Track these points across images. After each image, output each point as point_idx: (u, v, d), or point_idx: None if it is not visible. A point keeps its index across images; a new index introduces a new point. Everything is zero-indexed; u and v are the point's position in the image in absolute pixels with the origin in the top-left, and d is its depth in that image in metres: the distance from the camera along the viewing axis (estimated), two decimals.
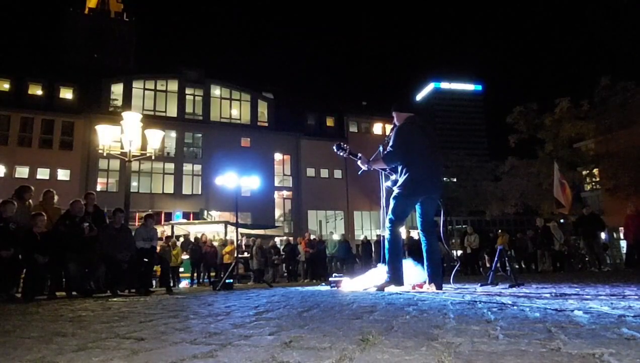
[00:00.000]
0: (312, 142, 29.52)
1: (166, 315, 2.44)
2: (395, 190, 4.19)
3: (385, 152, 4.27)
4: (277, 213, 29.33)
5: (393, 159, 4.23)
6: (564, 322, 1.62)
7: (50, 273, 5.90)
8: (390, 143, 4.22)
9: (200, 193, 26.98)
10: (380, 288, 3.99)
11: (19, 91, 25.48)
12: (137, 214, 20.98)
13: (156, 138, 9.79)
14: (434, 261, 4.14)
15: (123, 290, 6.56)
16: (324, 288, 5.28)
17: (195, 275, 14.11)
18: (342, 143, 4.91)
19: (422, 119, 4.45)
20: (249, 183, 11.35)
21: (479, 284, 4.57)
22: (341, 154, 4.82)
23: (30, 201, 6.59)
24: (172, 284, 10.53)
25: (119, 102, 26.83)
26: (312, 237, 16.20)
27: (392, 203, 4.21)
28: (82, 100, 26.09)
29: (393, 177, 4.40)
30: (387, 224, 4.20)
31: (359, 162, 4.63)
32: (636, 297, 2.60)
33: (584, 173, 23.76)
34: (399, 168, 4.23)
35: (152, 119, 20.67)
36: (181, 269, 13.73)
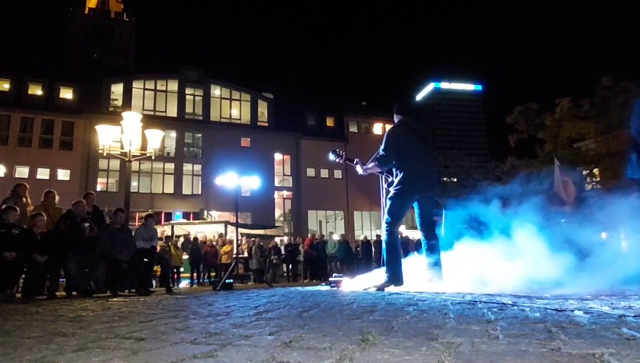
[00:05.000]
0: (312, 142, 29.50)
1: (166, 315, 2.44)
2: (391, 191, 4.23)
3: (378, 156, 4.32)
4: (277, 213, 29.32)
5: (386, 162, 4.28)
6: (564, 322, 1.62)
7: (50, 273, 5.90)
8: (382, 147, 4.27)
9: (200, 193, 26.96)
10: (380, 288, 4.00)
11: (19, 91, 25.46)
12: (137, 214, 20.97)
13: (156, 138, 9.78)
14: (434, 260, 4.15)
15: (123, 290, 6.56)
16: (324, 288, 5.28)
17: (195, 275, 14.12)
18: (337, 149, 4.98)
19: (414, 120, 4.48)
20: (249, 183, 11.35)
21: None
22: (337, 160, 4.88)
23: (29, 199, 6.59)
24: (171, 284, 10.53)
25: (119, 102, 26.80)
26: (316, 237, 16.19)
27: (388, 203, 4.24)
28: (82, 100, 26.07)
29: (390, 179, 4.44)
30: (384, 225, 4.22)
31: (356, 167, 4.66)
32: (636, 297, 2.60)
33: (584, 173, 23.74)
34: (394, 170, 4.27)
35: (152, 119, 20.65)
36: (181, 269, 13.74)
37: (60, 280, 6.28)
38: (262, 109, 30.78)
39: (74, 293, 5.77)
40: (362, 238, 18.26)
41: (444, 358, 1.11)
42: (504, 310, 2.02)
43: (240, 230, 14.73)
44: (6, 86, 25.60)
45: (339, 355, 1.18)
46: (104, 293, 6.02)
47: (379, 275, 4.45)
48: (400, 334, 1.48)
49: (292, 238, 21.03)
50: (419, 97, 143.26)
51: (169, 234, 15.28)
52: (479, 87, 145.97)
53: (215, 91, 29.86)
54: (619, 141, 20.80)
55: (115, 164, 24.14)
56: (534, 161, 23.53)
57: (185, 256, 14.01)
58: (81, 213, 6.21)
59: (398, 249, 4.22)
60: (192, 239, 15.13)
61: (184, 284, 13.70)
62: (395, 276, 4.08)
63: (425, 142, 4.37)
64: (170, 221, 20.98)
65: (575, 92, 23.21)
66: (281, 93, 33.47)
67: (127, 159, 8.90)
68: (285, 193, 30.05)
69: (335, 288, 4.85)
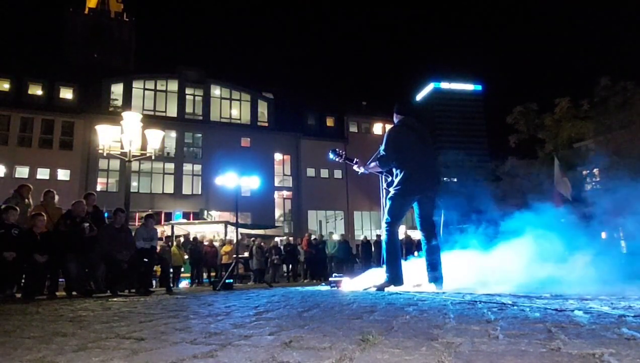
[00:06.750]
0: (312, 142, 29.50)
1: (166, 315, 2.44)
2: (391, 191, 4.23)
3: (379, 156, 4.32)
4: (277, 213, 29.31)
5: (387, 162, 4.28)
6: (564, 322, 1.62)
7: (50, 273, 5.90)
8: (382, 147, 4.27)
9: (200, 193, 26.97)
10: (380, 288, 4.00)
11: (19, 91, 25.45)
12: (137, 214, 20.97)
13: (156, 138, 9.78)
14: (433, 260, 4.15)
15: (123, 290, 6.56)
16: (324, 288, 5.28)
17: (195, 274, 14.12)
18: (337, 149, 4.99)
19: (415, 120, 4.48)
20: (249, 183, 11.36)
21: None
22: (337, 160, 4.88)
23: (31, 200, 6.60)
24: (171, 284, 10.53)
25: (119, 102, 26.79)
26: (313, 237, 16.20)
27: (388, 203, 4.24)
28: (82, 100, 26.06)
29: (389, 179, 4.44)
30: (384, 225, 4.22)
31: (355, 166, 4.66)
32: (636, 297, 2.60)
33: (584, 172, 23.75)
34: (394, 170, 4.27)
35: (152, 119, 20.64)
36: (182, 269, 13.75)
37: (60, 280, 6.28)
38: (262, 109, 30.78)
39: (74, 293, 5.76)
40: (362, 238, 18.27)
41: (444, 358, 1.11)
42: (504, 310, 2.02)
43: (241, 230, 14.74)
44: (6, 86, 25.59)
45: (339, 355, 1.18)
46: (104, 293, 6.01)
47: (379, 275, 4.45)
48: (400, 334, 1.48)
49: (292, 238, 21.04)
50: (419, 97, 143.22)
51: (169, 234, 15.29)
52: (479, 87, 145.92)
53: (215, 91, 29.86)
54: (619, 141, 20.80)
55: (115, 164, 24.14)
56: (534, 161, 23.55)
57: (185, 256, 14.02)
58: (81, 213, 6.21)
59: (398, 249, 4.22)
60: (192, 239, 15.13)
61: (184, 284, 13.70)
62: (395, 276, 4.08)
63: (426, 142, 4.37)
64: (170, 221, 20.97)
65: (575, 92, 23.22)
66: (281, 93, 33.45)
67: (127, 159, 8.90)
68: (285, 193, 30.05)
69: (335, 288, 4.85)
